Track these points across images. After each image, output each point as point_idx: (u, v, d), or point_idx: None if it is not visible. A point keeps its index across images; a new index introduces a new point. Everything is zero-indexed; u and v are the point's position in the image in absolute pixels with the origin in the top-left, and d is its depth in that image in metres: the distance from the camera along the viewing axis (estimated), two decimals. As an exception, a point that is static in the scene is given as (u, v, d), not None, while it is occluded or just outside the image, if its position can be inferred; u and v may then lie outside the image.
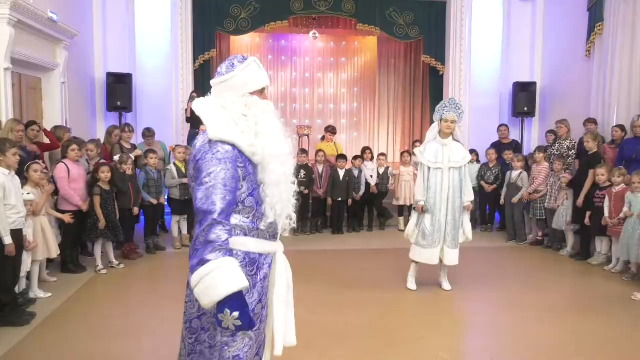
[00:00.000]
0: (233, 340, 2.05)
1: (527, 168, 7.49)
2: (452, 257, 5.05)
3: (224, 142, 2.01)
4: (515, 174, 7.35)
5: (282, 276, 2.23)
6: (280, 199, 2.13)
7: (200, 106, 2.16)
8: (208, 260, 1.86)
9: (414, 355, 3.71)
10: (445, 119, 4.93)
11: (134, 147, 7.31)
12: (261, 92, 2.22)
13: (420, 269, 5.34)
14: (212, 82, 2.21)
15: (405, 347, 3.83)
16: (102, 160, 6.27)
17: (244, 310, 1.87)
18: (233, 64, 2.16)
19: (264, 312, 2.18)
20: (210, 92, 2.20)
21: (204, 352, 2.12)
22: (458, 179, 5.00)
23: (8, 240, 4.16)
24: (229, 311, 1.85)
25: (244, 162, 2.05)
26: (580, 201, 6.32)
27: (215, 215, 1.91)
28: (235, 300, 1.86)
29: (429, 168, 5.00)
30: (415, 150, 5.35)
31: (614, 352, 3.80)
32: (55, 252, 5.04)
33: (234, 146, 2.02)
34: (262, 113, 2.15)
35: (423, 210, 5.02)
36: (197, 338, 2.14)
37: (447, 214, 4.98)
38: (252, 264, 2.10)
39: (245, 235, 2.09)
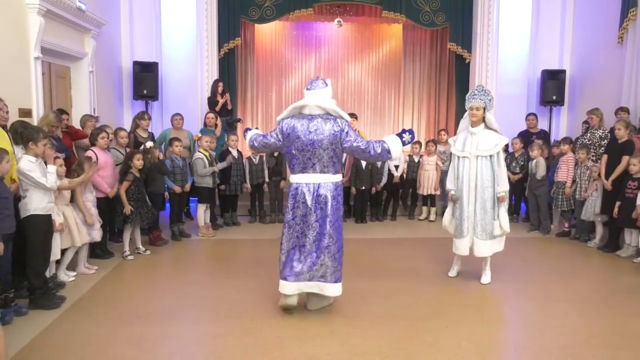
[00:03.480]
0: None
1: (552, 157, 7.36)
2: (481, 249, 4.95)
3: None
4: (533, 163, 7.25)
5: None
6: None
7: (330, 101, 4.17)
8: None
9: (437, 345, 3.70)
10: (470, 106, 4.92)
11: (151, 135, 7.34)
12: None
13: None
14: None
15: (430, 337, 3.82)
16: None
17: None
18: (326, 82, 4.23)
19: None
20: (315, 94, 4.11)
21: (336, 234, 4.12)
22: (489, 168, 4.88)
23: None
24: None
25: None
26: (608, 184, 6.15)
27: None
28: None
29: (458, 157, 5.02)
30: (449, 140, 5.39)
31: (642, 345, 3.73)
32: (79, 241, 5.04)
33: None
34: None
35: (453, 200, 5.06)
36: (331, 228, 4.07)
37: (476, 203, 4.90)
38: None
39: None
